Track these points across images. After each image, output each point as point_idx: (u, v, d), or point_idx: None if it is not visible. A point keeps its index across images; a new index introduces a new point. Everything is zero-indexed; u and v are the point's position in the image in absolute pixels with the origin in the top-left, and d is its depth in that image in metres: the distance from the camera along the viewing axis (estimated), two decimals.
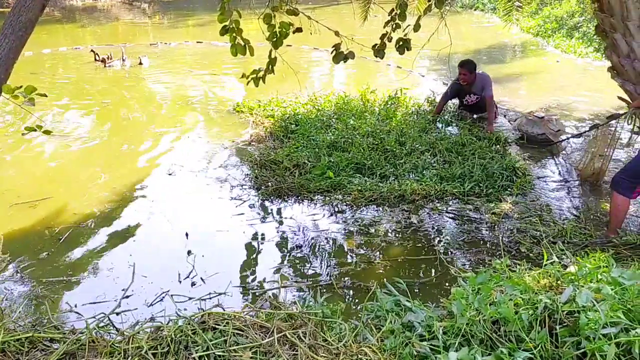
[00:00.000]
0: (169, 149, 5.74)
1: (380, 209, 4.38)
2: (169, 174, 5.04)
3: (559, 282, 2.45)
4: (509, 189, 4.64)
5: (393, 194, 4.49)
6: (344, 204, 4.43)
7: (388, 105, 6.66)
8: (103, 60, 9.37)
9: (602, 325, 1.95)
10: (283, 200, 4.52)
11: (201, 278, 3.41)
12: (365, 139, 5.46)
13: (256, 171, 4.94)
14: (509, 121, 6.48)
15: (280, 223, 4.19)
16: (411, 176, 4.89)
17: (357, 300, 3.20)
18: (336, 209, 4.37)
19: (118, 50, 9.76)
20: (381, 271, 3.53)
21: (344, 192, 4.57)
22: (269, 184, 4.68)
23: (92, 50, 9.71)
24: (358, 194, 4.52)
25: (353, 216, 4.27)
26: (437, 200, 4.48)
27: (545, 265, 2.68)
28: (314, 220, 4.23)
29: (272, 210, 4.40)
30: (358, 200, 4.44)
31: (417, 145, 5.41)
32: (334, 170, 4.85)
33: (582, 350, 1.96)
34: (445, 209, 4.36)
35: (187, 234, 3.96)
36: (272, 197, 4.54)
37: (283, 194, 4.56)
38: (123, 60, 9.45)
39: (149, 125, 6.52)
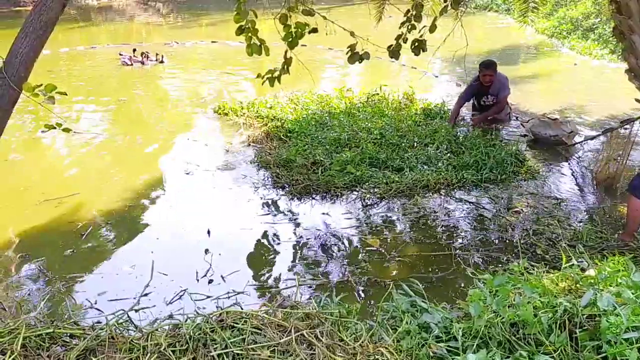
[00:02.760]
0: (181, 148, 5.77)
1: (407, 200, 4.49)
2: (187, 174, 5.06)
3: (578, 285, 2.44)
4: (519, 174, 4.94)
5: (418, 185, 4.65)
6: (375, 197, 4.54)
7: (369, 102, 6.82)
8: (130, 59, 9.45)
9: (624, 329, 1.93)
10: (309, 199, 4.55)
11: (221, 276, 3.43)
12: (367, 134, 5.59)
13: (277, 170, 4.96)
14: (521, 123, 6.43)
15: (304, 222, 4.20)
16: (424, 167, 5.05)
17: (373, 300, 3.20)
18: (367, 203, 4.47)
19: (151, 49, 9.88)
20: (399, 270, 3.54)
21: (369, 186, 4.67)
22: (293, 181, 4.71)
23: (134, 50, 9.72)
24: (386, 186, 4.63)
25: (380, 211, 4.35)
26: (458, 190, 4.68)
27: (564, 268, 2.67)
28: (339, 217, 4.27)
29: (296, 209, 4.41)
30: (387, 192, 4.55)
31: (414, 138, 5.61)
32: (351, 165, 4.92)
33: (603, 354, 1.95)
34: (466, 199, 4.54)
35: (208, 231, 3.98)
36: (298, 196, 4.57)
37: (311, 192, 4.60)
38: (148, 58, 9.53)
39: (163, 123, 6.57)
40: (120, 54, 9.61)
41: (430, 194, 4.60)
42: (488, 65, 6.00)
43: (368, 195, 4.55)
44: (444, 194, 4.61)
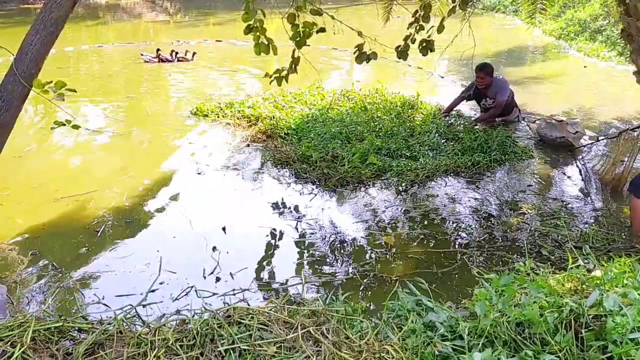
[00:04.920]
0: (186, 147, 5.75)
1: (432, 185, 4.75)
2: (198, 173, 5.04)
3: (584, 286, 2.44)
4: (518, 154, 5.40)
5: (440, 170, 4.96)
6: (407, 183, 4.74)
7: (345, 98, 7.03)
8: (159, 57, 9.56)
9: (629, 329, 1.94)
10: (339, 191, 4.62)
11: (230, 273, 3.44)
12: (365, 127, 5.79)
13: (302, 166, 4.99)
14: (527, 125, 6.42)
15: (321, 219, 4.20)
16: (433, 154, 5.33)
17: (379, 298, 3.21)
18: (400, 189, 4.66)
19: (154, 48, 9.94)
20: (405, 267, 3.56)
21: (394, 174, 4.84)
22: (323, 176, 4.78)
23: (157, 49, 9.74)
24: (411, 172, 4.83)
25: (402, 204, 4.45)
26: (473, 175, 4.98)
27: (570, 268, 2.67)
28: (358, 212, 4.32)
29: (317, 205, 4.42)
30: (417, 178, 4.77)
31: (408, 128, 5.88)
32: (371, 156, 5.06)
33: (609, 354, 1.96)
34: (481, 186, 4.79)
35: (224, 229, 3.98)
36: (332, 189, 4.65)
37: (344, 184, 4.70)
38: (177, 55, 9.64)
39: (167, 122, 6.59)
40: (142, 54, 9.69)
41: (450, 179, 4.86)
42: (481, 68, 6.02)
43: (403, 183, 4.73)
44: (464, 175, 4.94)
